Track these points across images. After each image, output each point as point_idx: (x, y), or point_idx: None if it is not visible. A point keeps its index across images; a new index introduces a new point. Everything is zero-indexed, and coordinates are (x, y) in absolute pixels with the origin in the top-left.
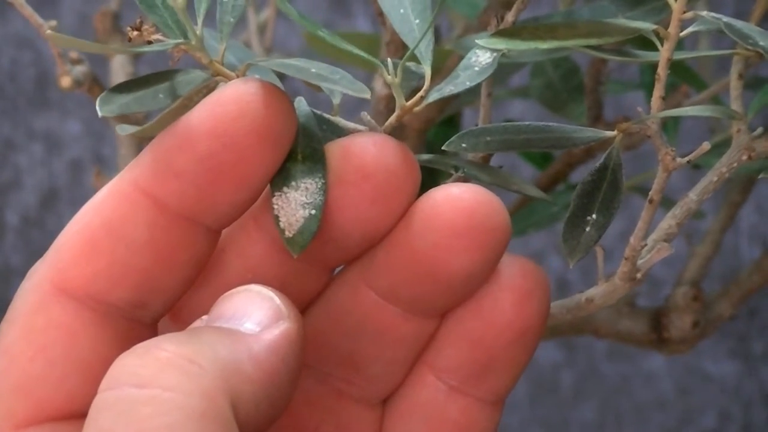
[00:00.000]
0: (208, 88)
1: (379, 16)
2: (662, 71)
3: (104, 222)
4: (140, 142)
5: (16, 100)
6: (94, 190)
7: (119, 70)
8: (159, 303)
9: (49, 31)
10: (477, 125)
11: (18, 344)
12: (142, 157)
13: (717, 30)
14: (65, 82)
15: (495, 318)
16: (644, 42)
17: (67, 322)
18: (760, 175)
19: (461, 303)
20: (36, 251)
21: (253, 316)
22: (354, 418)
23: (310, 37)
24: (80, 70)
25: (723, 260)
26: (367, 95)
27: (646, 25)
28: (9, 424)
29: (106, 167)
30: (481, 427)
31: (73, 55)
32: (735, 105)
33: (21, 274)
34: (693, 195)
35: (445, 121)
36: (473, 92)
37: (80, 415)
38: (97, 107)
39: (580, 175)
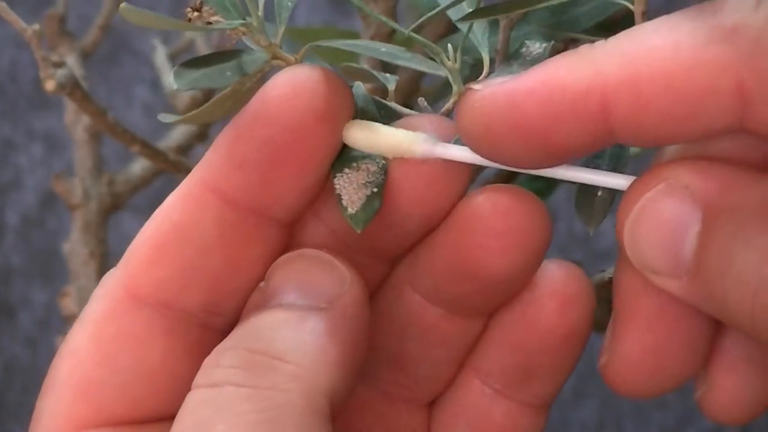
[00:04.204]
0: (262, 72)
1: (360, 12)
2: None
3: (173, 224)
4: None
5: (16, 100)
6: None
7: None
8: (231, 305)
9: (124, 4)
10: None
11: (86, 348)
12: (207, 155)
13: None
14: (50, 85)
15: (538, 323)
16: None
17: (137, 331)
18: None
19: (504, 304)
20: (36, 251)
21: (318, 286)
22: (403, 421)
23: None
24: (63, 73)
25: None
26: (442, 72)
27: None
28: (70, 424)
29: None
30: (524, 431)
31: (55, 58)
32: None
33: (21, 274)
34: None
35: None
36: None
37: (142, 421)
38: (172, 81)
39: None
